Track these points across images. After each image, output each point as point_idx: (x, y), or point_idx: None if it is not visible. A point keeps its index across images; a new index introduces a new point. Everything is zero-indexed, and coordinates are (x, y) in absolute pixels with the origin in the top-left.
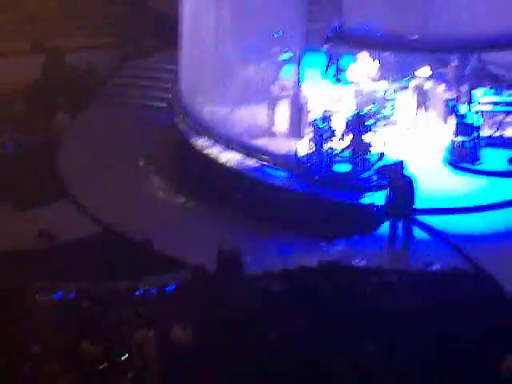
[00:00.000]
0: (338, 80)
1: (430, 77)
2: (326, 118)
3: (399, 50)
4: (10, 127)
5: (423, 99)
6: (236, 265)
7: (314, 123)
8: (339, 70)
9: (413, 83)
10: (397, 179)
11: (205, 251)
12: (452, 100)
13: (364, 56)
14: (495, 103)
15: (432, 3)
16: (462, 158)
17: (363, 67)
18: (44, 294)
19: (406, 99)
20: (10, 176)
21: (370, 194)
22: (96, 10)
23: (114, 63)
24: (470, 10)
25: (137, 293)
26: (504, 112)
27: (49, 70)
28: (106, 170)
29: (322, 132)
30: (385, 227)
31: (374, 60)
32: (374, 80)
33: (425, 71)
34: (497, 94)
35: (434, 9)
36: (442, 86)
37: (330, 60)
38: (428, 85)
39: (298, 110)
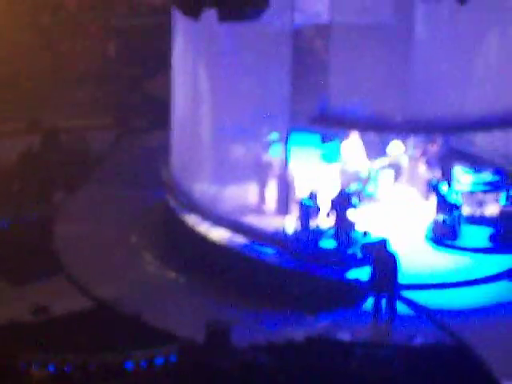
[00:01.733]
0: (325, 158)
1: (411, 155)
2: (312, 196)
3: (383, 131)
4: (7, 205)
5: (399, 176)
6: (224, 339)
7: (301, 201)
8: (326, 149)
9: (388, 160)
10: (381, 256)
11: (195, 325)
12: (433, 179)
13: (351, 135)
14: (475, 182)
15: (414, 85)
16: (444, 235)
17: (349, 146)
18: (39, 367)
19: (387, 177)
20: (6, 252)
21: (355, 269)
22: (91, 89)
23: (109, 142)
24: (451, 91)
25: (127, 365)
26: (483, 191)
27: (45, 149)
28: (99, 247)
29: (309, 210)
30: (369, 302)
31: (359, 139)
32: (359, 159)
33: (396, 147)
34: (475, 173)
35: (416, 90)
36: (424, 165)
37: (318, 139)
38: (403, 161)
39: (286, 188)
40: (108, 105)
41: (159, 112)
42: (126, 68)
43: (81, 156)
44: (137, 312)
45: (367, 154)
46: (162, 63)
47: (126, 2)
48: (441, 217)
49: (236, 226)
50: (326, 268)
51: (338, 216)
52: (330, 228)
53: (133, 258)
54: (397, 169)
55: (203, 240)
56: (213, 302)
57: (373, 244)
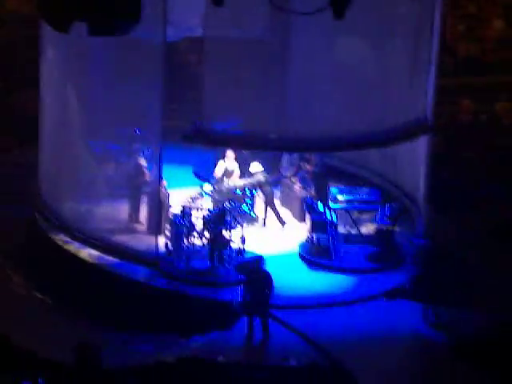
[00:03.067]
0: (200, 177)
1: (286, 174)
2: (185, 214)
3: (258, 148)
4: None
5: (269, 195)
6: (94, 361)
7: (173, 219)
8: (202, 167)
9: (254, 180)
10: (255, 275)
11: (64, 347)
12: (308, 197)
13: (228, 154)
14: (350, 201)
15: (290, 102)
16: (319, 254)
17: (224, 164)
18: None
19: (262, 196)
20: None
21: (229, 289)
22: None
23: None
24: (325, 110)
25: None
26: (359, 209)
27: None
28: None
29: (182, 228)
30: (243, 322)
31: (235, 158)
32: (234, 177)
33: (257, 167)
34: (351, 191)
35: (292, 107)
36: (298, 184)
37: (192, 157)
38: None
39: (159, 206)
40: None
41: (28, 128)
42: None
43: None
44: (4, 334)
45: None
46: (30, 76)
47: None
48: (315, 236)
49: (107, 245)
50: (199, 288)
51: (211, 234)
52: (203, 247)
53: (0, 279)
54: (266, 188)
55: (73, 260)
56: (83, 323)
57: (247, 263)
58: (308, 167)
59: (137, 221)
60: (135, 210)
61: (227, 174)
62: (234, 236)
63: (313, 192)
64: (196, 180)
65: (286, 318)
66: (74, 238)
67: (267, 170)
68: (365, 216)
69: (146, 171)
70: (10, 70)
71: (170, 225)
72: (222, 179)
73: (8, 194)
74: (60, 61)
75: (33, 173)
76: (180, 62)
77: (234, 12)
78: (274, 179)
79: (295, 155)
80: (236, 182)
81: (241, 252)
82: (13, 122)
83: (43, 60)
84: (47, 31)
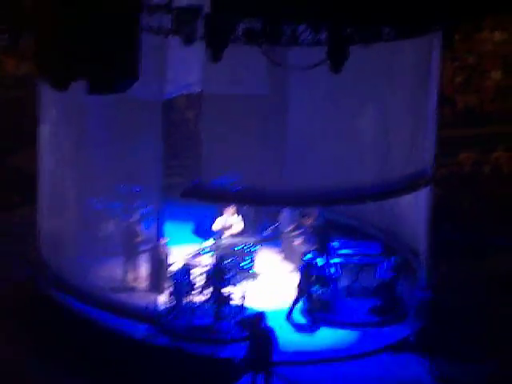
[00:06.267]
0: (200, 233)
1: (286, 229)
2: (186, 271)
3: (257, 204)
4: None
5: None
6: None
7: (174, 276)
8: (201, 223)
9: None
10: (257, 331)
11: None
12: (309, 252)
13: (227, 210)
14: (352, 254)
15: (289, 157)
16: (321, 309)
17: (225, 221)
18: None
19: (265, 252)
20: None
21: (231, 346)
22: None
23: None
24: (324, 164)
25: None
26: (360, 263)
27: None
28: None
29: (182, 285)
30: (246, 380)
31: (236, 213)
32: (234, 233)
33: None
34: (352, 245)
35: (291, 162)
36: (299, 239)
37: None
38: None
39: (159, 263)
40: None
41: (25, 187)
42: None
43: None
44: None
45: (250, 229)
46: (27, 136)
47: None
48: (317, 290)
49: (106, 303)
50: (201, 345)
51: (212, 291)
52: (204, 303)
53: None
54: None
55: (73, 318)
56: (83, 382)
57: (249, 319)
58: (308, 221)
59: (137, 278)
60: (134, 268)
61: (226, 229)
62: (235, 292)
63: (313, 246)
64: (196, 237)
65: (289, 374)
66: (74, 296)
67: (266, 226)
68: (366, 269)
69: (140, 230)
70: (10, 130)
71: (171, 282)
72: (221, 235)
73: (7, 253)
74: (58, 119)
75: (32, 231)
76: (178, 118)
77: (232, 68)
78: (273, 235)
79: (296, 211)
80: (239, 237)
81: (242, 308)
82: (14, 181)
83: (42, 119)
84: (45, 90)
